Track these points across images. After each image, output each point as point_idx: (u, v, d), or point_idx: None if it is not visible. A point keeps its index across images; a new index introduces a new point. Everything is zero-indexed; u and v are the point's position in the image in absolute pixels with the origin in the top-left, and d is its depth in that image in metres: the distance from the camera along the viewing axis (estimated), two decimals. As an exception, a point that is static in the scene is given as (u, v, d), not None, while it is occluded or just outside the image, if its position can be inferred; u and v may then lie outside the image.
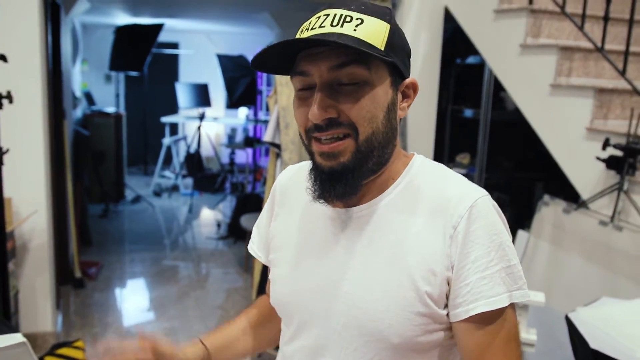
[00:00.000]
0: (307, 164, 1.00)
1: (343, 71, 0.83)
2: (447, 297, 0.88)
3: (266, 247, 1.09)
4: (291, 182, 1.07)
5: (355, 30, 0.83)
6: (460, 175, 0.95)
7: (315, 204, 0.94)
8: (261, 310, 1.17)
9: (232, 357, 1.11)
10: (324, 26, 0.84)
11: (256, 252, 1.12)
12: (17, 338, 1.31)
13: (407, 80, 0.92)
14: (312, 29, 0.85)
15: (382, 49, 0.85)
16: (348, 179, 0.87)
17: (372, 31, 0.84)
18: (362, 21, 0.84)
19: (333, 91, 0.85)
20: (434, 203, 0.89)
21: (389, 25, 0.86)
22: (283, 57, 0.88)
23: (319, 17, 0.85)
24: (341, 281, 0.91)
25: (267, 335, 1.16)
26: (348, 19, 0.84)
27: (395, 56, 0.87)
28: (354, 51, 0.82)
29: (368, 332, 0.88)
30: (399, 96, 0.91)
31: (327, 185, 0.88)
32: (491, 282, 0.85)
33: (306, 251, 0.97)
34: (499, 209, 0.91)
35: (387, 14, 0.88)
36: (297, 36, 0.87)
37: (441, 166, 0.96)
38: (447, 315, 0.88)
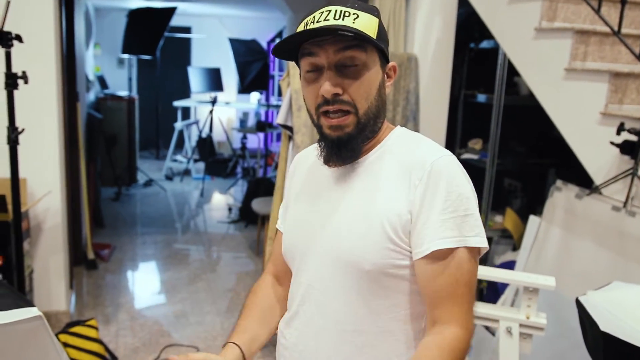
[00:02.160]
0: (313, 147, 1.26)
1: (346, 53, 1.04)
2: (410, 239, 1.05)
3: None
4: (302, 158, 1.31)
5: (353, 22, 1.04)
6: (430, 140, 1.13)
7: (316, 168, 1.18)
8: (267, 296, 1.30)
9: (257, 349, 1.22)
10: (328, 19, 1.03)
11: (281, 226, 1.30)
12: (33, 312, 1.33)
13: (390, 64, 1.14)
14: (317, 22, 1.04)
15: (374, 37, 1.06)
16: (352, 144, 1.09)
17: (367, 24, 1.05)
18: (358, 16, 1.05)
19: (338, 72, 1.05)
20: (404, 161, 1.08)
21: (377, 20, 1.08)
22: (292, 45, 1.08)
23: (322, 12, 1.05)
24: (327, 225, 1.11)
25: (277, 318, 1.28)
26: (347, 14, 1.04)
27: (383, 44, 1.09)
28: (354, 38, 1.02)
29: (345, 263, 1.07)
30: (384, 76, 1.12)
31: (335, 151, 1.10)
32: (444, 226, 1.01)
33: (306, 204, 1.19)
34: (463, 169, 1.08)
35: (375, 11, 1.09)
36: (302, 28, 1.05)
37: (418, 135, 1.16)
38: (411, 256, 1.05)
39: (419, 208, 1.03)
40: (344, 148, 1.09)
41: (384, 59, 1.11)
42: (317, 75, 1.07)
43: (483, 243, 1.04)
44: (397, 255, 1.05)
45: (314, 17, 1.06)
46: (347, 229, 1.08)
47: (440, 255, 1.01)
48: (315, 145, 1.22)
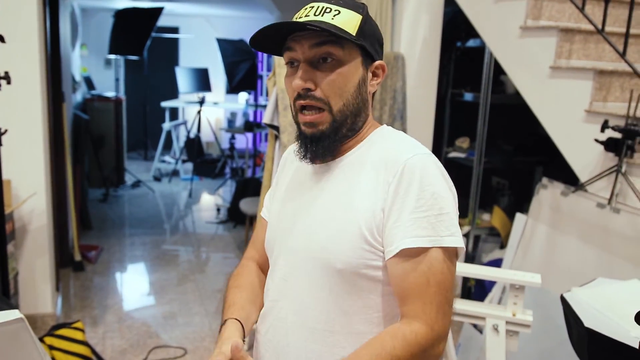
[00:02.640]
0: None
1: (321, 49, 1.05)
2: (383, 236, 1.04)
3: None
4: (289, 156, 1.30)
5: (332, 19, 1.05)
6: (413, 140, 1.12)
7: (302, 165, 1.17)
8: (253, 282, 1.28)
9: (251, 328, 1.21)
10: (309, 15, 1.06)
11: (265, 214, 1.31)
12: (14, 314, 1.32)
13: (377, 62, 1.13)
14: (299, 18, 1.07)
15: (354, 34, 1.06)
16: (326, 142, 1.09)
17: (347, 20, 1.06)
18: (339, 12, 1.06)
19: (313, 66, 1.07)
20: (381, 160, 1.07)
21: (361, 16, 1.08)
22: (277, 39, 1.09)
23: (306, 9, 1.08)
24: (303, 221, 1.13)
25: (261, 304, 1.26)
26: (328, 10, 1.06)
27: (365, 41, 1.08)
28: (329, 33, 1.03)
29: (319, 260, 1.07)
30: (369, 75, 1.12)
31: (310, 147, 1.10)
32: (416, 224, 1.00)
33: (287, 200, 1.21)
34: (442, 168, 1.06)
35: (360, 8, 1.09)
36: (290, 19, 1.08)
37: (400, 134, 1.15)
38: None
39: (391, 206, 1.02)
40: (318, 145, 1.09)
41: (369, 57, 1.10)
42: (294, 69, 1.09)
43: (458, 243, 1.02)
44: (371, 255, 1.04)
45: (299, 13, 1.09)
46: (321, 226, 1.08)
47: (412, 254, 1.00)
48: None
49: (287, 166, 1.29)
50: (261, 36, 1.07)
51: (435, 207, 1.01)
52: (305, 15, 1.07)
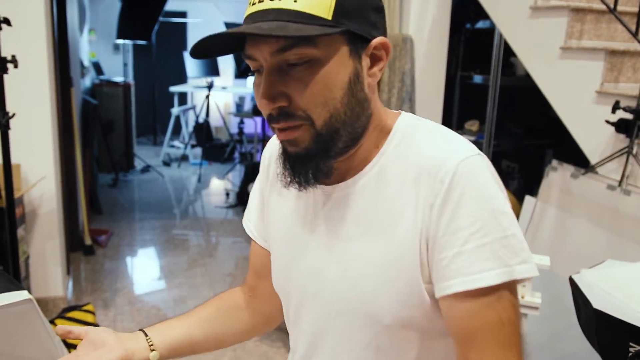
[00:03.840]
0: None
1: (288, 53, 0.75)
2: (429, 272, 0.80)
3: (260, 226, 1.07)
4: (276, 153, 0.98)
5: (295, 1, 0.74)
6: (450, 132, 0.84)
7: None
8: (233, 299, 1.12)
9: (186, 352, 1.01)
10: (263, 1, 0.76)
11: (262, 242, 1.08)
12: (23, 295, 1.33)
13: (375, 41, 0.80)
14: (253, 4, 0.77)
15: (330, 17, 0.74)
16: (317, 161, 0.80)
17: (315, 0, 0.74)
18: None
19: (282, 74, 0.77)
20: (415, 171, 0.80)
21: None
22: (228, 41, 0.80)
23: (254, 3, 0.77)
24: (327, 264, 0.87)
25: (238, 325, 1.09)
26: None
27: (350, 21, 0.76)
28: (289, 38, 0.73)
29: (360, 315, 0.83)
30: (367, 61, 0.80)
31: (297, 170, 0.82)
32: (472, 257, 0.74)
33: (295, 231, 0.93)
34: (493, 170, 0.80)
35: None
36: (247, 8, 0.79)
37: (428, 127, 0.86)
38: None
39: (435, 234, 0.77)
40: (307, 166, 0.81)
41: (360, 40, 0.79)
42: (260, 78, 0.79)
43: (533, 271, 0.77)
44: (420, 303, 0.80)
45: None
46: (357, 274, 0.83)
47: (475, 293, 0.75)
48: None
49: (272, 167, 1.00)
50: (204, 48, 0.78)
51: (497, 230, 0.75)
52: (260, 1, 0.76)
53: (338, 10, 0.75)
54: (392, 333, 0.83)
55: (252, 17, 0.76)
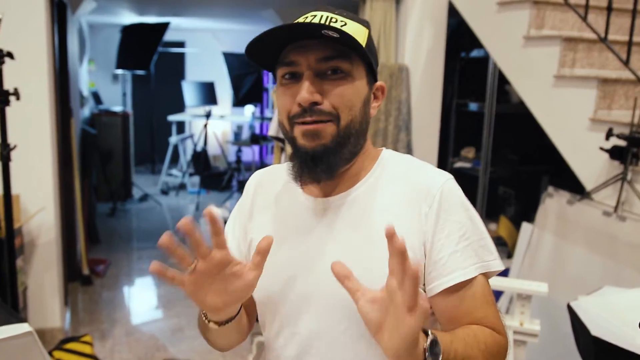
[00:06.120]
0: (277, 166, 1.14)
1: (329, 63, 0.92)
2: (424, 272, 0.95)
3: (241, 249, 1.10)
4: (264, 178, 1.14)
5: (343, 25, 0.93)
6: (427, 163, 1.04)
7: (291, 198, 1.04)
8: None
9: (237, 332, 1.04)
10: (315, 15, 0.93)
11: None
12: (24, 328, 1.33)
13: (378, 83, 1.02)
14: (306, 18, 0.94)
15: (364, 46, 0.93)
16: (328, 160, 0.94)
17: (355, 32, 0.94)
18: (346, 24, 0.94)
19: (321, 78, 0.93)
20: (407, 188, 0.98)
21: (367, 30, 0.99)
22: (274, 48, 0.95)
23: (307, 17, 0.95)
24: (321, 264, 0.96)
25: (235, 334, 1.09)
26: (334, 20, 0.94)
27: (372, 58, 0.97)
28: (340, 47, 0.91)
29: (352, 311, 0.85)
30: (371, 96, 1.00)
31: (308, 166, 0.95)
32: (464, 255, 0.93)
33: (286, 242, 1.01)
34: (460, 189, 1.01)
35: (365, 22, 1.00)
36: (297, 19, 0.94)
37: (408, 156, 1.06)
38: (424, 290, 0.95)
39: (432, 238, 0.94)
40: (319, 162, 0.94)
41: (372, 76, 0.99)
42: (294, 82, 0.94)
43: (501, 265, 0.97)
44: None
45: (297, 22, 0.95)
46: (357, 274, 0.88)
47: (462, 285, 0.93)
48: (279, 166, 1.12)
49: (259, 197, 1.10)
50: (260, 43, 0.93)
51: (476, 233, 0.96)
52: (313, 17, 0.94)
53: (367, 45, 0.96)
54: None
55: (296, 27, 0.91)
